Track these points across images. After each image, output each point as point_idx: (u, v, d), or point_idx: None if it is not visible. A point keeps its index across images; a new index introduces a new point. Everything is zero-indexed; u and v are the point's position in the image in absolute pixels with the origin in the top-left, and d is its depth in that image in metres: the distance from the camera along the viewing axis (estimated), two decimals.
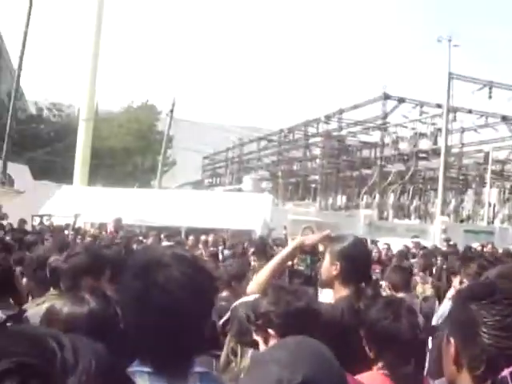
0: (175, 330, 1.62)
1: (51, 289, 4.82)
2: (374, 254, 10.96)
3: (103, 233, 15.76)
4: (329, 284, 3.20)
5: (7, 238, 9.90)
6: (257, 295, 2.86)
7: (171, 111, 34.42)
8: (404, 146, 33.91)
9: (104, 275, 3.45)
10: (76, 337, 0.83)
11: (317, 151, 39.99)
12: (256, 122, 77.05)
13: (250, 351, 2.71)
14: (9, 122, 22.62)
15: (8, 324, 3.70)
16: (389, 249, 13.17)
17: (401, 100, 33.78)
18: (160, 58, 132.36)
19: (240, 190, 33.96)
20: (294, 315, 2.34)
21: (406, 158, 34.33)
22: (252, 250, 9.44)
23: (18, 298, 4.54)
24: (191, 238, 12.69)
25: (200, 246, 11.96)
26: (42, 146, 32.22)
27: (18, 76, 23.45)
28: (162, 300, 1.62)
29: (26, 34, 22.87)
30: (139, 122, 43.09)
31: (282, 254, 3.34)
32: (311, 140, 41.11)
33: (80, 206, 18.84)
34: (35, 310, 3.65)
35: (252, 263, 7.87)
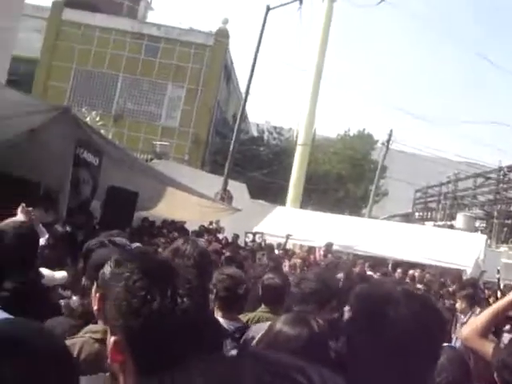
0: (401, 368, 1.58)
1: (262, 305, 5.04)
2: None
3: (311, 256, 16.08)
4: None
5: (227, 253, 10.50)
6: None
7: (387, 142, 34.21)
8: None
9: (330, 304, 3.48)
10: (321, 369, 0.82)
11: None
12: (473, 157, 73.63)
13: None
14: (233, 142, 24.01)
15: (236, 336, 3.94)
16: None
17: None
18: (378, 86, 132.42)
19: (452, 226, 32.67)
20: None
21: None
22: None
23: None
24: (399, 270, 12.50)
25: (407, 280, 11.73)
26: (261, 166, 33.70)
27: (245, 100, 24.82)
28: (392, 337, 1.59)
29: (255, 59, 24.22)
30: (354, 149, 43.35)
31: (505, 300, 3.16)
32: None
33: (291, 227, 19.32)
34: (258, 326, 3.83)
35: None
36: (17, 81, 24.37)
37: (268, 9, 24.53)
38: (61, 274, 4.31)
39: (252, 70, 24.18)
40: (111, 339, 1.44)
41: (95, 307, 2.48)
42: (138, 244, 5.36)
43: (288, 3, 25.69)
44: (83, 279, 2.94)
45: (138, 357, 1.41)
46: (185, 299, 1.41)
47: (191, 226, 16.81)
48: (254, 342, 2.53)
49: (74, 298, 3.45)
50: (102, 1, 31.55)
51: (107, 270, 2.23)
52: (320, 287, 3.38)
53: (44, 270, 3.99)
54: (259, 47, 24.26)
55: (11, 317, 2.71)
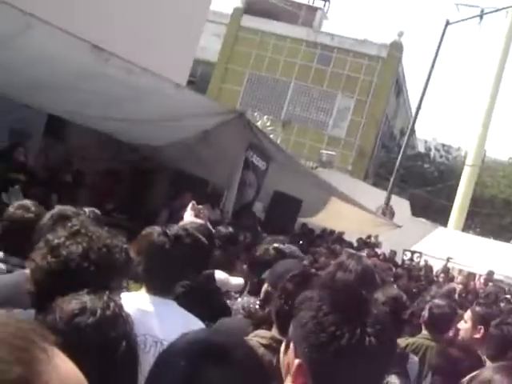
0: None
1: (423, 330, 4.84)
2: None
3: (471, 283, 15.37)
4: None
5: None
6: None
7: None
8: None
9: None
10: None
11: None
12: None
13: None
14: (399, 157, 23.51)
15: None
16: None
17: None
18: None
19: None
20: None
21: None
22: None
23: None
24: None
25: None
26: (425, 184, 32.78)
27: (416, 115, 24.21)
28: None
29: (430, 74, 23.56)
30: None
31: None
32: None
33: (451, 249, 18.63)
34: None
35: None
36: (195, 82, 25.59)
37: (447, 23, 23.77)
38: (237, 281, 4.39)
39: (426, 86, 23.54)
40: (295, 362, 1.46)
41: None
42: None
43: (468, 18, 24.76)
44: (265, 285, 2.96)
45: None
46: (372, 339, 1.40)
47: (348, 238, 16.67)
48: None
49: (252, 299, 3.49)
50: (279, 9, 32.22)
51: (289, 285, 2.24)
52: None
53: (220, 274, 4.08)
54: (435, 62, 23.57)
55: (189, 314, 2.79)
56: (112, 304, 1.68)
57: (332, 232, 16.68)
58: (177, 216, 8.57)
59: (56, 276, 1.84)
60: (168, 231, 2.79)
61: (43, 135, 11.26)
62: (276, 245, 3.43)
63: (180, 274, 2.83)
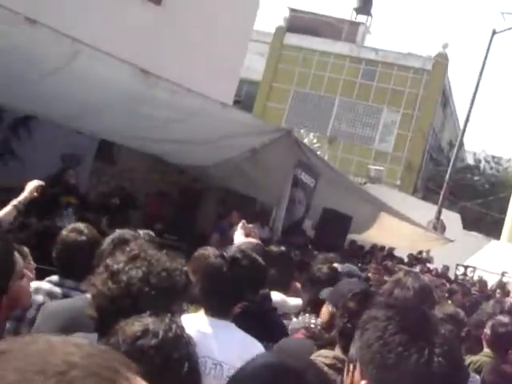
0: None
1: (485, 348, 4.70)
2: None
3: None
4: None
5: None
6: None
7: None
8: None
9: None
10: None
11: None
12: None
13: None
14: (449, 170, 23.14)
15: None
16: None
17: None
18: None
19: None
20: None
21: None
22: None
23: None
24: None
25: None
26: (475, 197, 32.19)
27: (464, 127, 23.84)
28: None
29: (477, 85, 23.20)
30: None
31: None
32: None
33: (505, 263, 18.19)
34: None
35: None
36: (240, 101, 25.78)
37: (494, 33, 23.41)
38: (295, 302, 4.34)
39: (473, 97, 23.17)
40: (362, 383, 1.43)
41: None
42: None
43: None
44: (327, 305, 2.93)
45: None
46: (441, 359, 1.36)
47: (399, 254, 16.44)
48: None
49: (310, 319, 3.45)
50: (322, 25, 32.33)
51: (352, 304, 2.21)
52: None
53: (276, 296, 4.04)
54: (482, 72, 23.21)
55: (247, 335, 2.77)
56: (174, 326, 1.68)
57: (382, 248, 16.46)
58: (226, 235, 8.61)
59: (117, 301, 1.84)
60: (225, 253, 2.79)
61: (94, 159, 11.48)
62: (335, 264, 3.38)
63: (238, 295, 2.82)
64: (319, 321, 3.23)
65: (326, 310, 2.96)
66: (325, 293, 3.22)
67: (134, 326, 1.66)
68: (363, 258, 13.37)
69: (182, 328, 1.71)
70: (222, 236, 9.32)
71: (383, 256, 14.81)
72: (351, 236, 14.91)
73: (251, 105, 29.93)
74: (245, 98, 29.37)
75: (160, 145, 9.94)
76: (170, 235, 11.13)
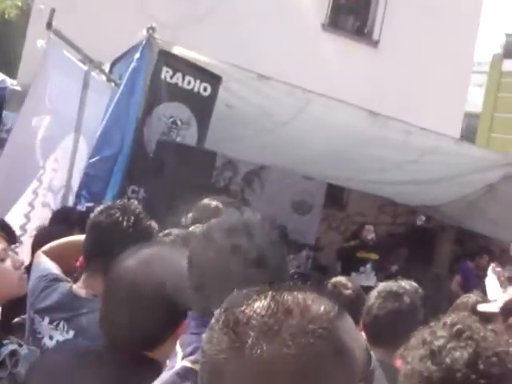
0: None
1: None
2: None
3: None
4: None
5: None
6: None
7: None
8: None
9: None
10: None
11: None
12: None
13: None
14: None
15: None
16: None
17: None
18: None
19: None
20: None
21: None
22: None
23: None
24: None
25: None
26: None
27: None
28: None
29: None
30: None
31: None
32: None
33: None
34: None
35: None
36: (462, 135, 24.89)
37: None
38: None
39: None
40: None
41: None
42: None
43: None
44: None
45: None
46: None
47: None
48: None
49: None
50: None
51: None
52: None
53: None
54: None
55: None
56: None
57: None
58: (472, 278, 8.16)
59: None
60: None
61: (324, 204, 11.64)
62: None
63: None
64: None
65: None
66: None
67: None
68: None
69: None
70: (466, 279, 8.83)
71: None
72: None
73: (473, 138, 28.73)
74: (466, 132, 28.28)
75: (390, 186, 9.81)
76: (404, 277, 10.86)
